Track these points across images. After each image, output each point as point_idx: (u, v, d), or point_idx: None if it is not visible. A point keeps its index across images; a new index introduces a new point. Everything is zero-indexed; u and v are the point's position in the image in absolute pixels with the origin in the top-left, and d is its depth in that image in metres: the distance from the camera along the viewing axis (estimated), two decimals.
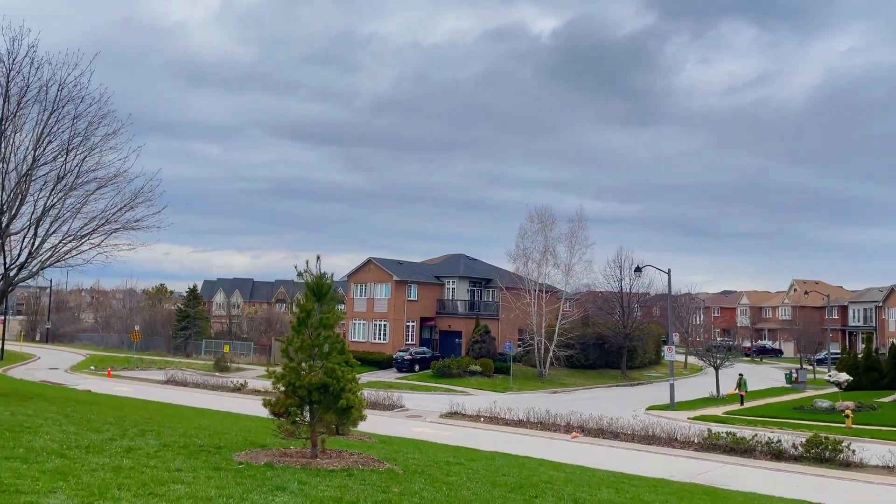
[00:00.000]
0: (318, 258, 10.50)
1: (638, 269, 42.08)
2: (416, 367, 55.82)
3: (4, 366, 54.93)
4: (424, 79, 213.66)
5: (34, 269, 18.51)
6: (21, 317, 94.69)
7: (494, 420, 31.19)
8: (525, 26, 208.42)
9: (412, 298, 61.43)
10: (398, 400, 35.78)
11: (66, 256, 19.03)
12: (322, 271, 11.12)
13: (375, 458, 10.24)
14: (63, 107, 18.67)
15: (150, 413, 17.64)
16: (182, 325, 72.41)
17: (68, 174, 18.38)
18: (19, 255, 18.35)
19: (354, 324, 63.74)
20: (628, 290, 59.63)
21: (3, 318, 67.84)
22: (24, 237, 18.20)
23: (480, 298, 64.36)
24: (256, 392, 41.09)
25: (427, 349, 59.45)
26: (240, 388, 41.88)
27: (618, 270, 59.28)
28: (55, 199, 18.38)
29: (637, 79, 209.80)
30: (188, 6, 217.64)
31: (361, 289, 63.45)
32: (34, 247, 18.29)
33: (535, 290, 55.10)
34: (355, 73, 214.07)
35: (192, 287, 76.64)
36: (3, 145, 18.27)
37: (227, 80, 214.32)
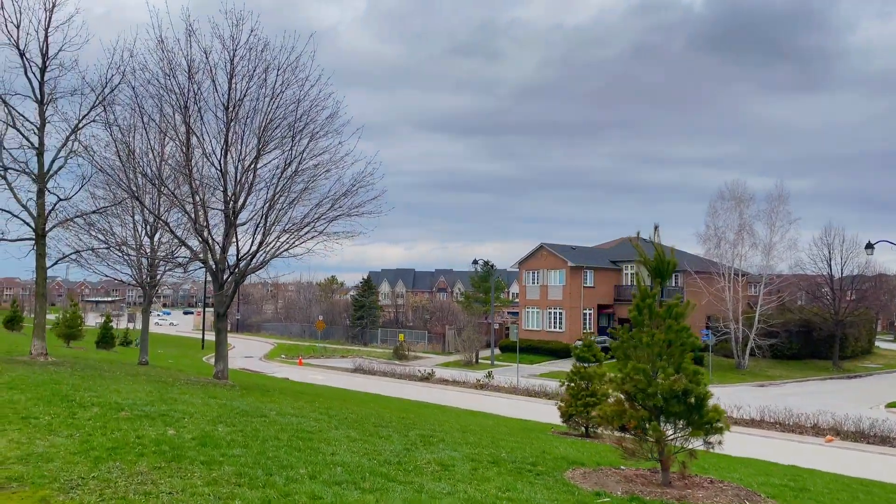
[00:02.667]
0: (657, 228, 8.33)
1: (870, 246, 36.31)
2: None
3: (206, 354, 59.15)
4: (568, 61, 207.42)
5: (266, 259, 18.23)
6: (211, 309, 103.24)
7: None
8: None
9: (588, 285, 58.49)
10: None
11: (291, 246, 18.61)
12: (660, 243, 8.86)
13: (750, 489, 7.98)
14: (283, 91, 18.19)
15: (391, 409, 16.67)
16: (358, 314, 74.53)
17: (293, 160, 17.89)
18: (250, 246, 18.18)
19: (527, 312, 61.97)
20: (839, 272, 52.58)
21: (200, 310, 73.52)
22: (256, 227, 17.97)
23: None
24: (444, 382, 40.57)
25: (607, 337, 56.28)
26: (428, 378, 41.52)
27: (826, 249, 52.44)
28: (281, 187, 17.96)
29: (804, 41, 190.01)
30: (338, 11, 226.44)
31: (533, 276, 61.45)
32: (264, 236, 18.01)
33: (731, 273, 50.10)
34: (498, 62, 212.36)
35: (365, 278, 78.72)
36: (230, 133, 18.10)
37: (376, 78, 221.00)
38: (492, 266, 56.93)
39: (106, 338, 40.37)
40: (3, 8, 18.18)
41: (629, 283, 59.55)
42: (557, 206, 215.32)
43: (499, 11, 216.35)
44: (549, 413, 27.03)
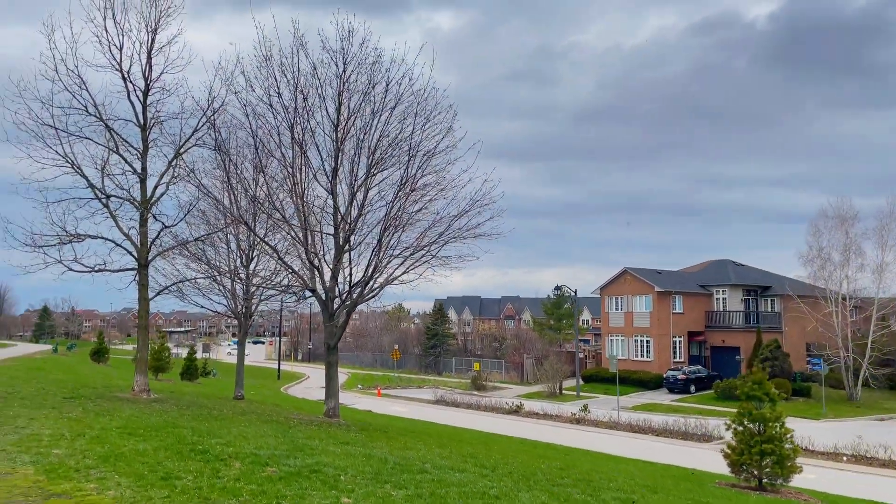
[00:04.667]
0: None
1: None
2: (692, 388, 49.72)
3: (283, 384, 58.50)
4: (626, 82, 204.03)
5: (380, 286, 16.79)
6: (284, 338, 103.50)
7: (861, 460, 24.86)
8: (737, 14, 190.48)
9: (677, 311, 55.35)
10: (714, 429, 30.49)
11: (404, 272, 17.13)
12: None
13: None
14: (394, 107, 16.88)
15: (526, 454, 14.79)
16: (430, 343, 72.99)
17: (409, 179, 16.49)
18: (364, 272, 16.78)
19: (611, 340, 59.12)
20: None
21: (272, 340, 73.22)
22: (371, 252, 16.58)
23: (757, 308, 56.28)
24: (535, 415, 38.36)
25: (702, 367, 52.95)
26: (517, 411, 39.37)
27: None
28: (396, 208, 16.56)
29: (876, 54, 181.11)
30: (394, 42, 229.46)
31: (617, 302, 58.68)
32: (378, 261, 16.59)
33: (838, 297, 46.31)
34: (555, 86, 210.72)
35: (437, 306, 77.29)
36: (340, 152, 16.87)
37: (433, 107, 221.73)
38: (575, 292, 54.54)
39: (190, 369, 39.96)
40: (105, 31, 17.61)
41: (721, 309, 56.14)
42: (619, 230, 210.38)
43: (555, 37, 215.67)
44: (675, 454, 24.63)
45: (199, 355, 77.20)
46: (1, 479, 7.55)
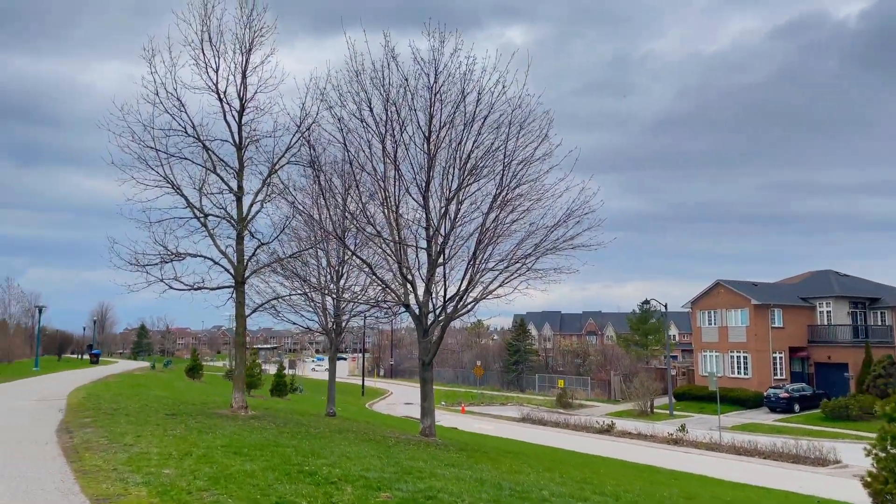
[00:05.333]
0: None
1: None
2: (796, 407, 46.57)
3: (367, 401, 58.79)
4: (707, 89, 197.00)
5: (475, 300, 16.27)
6: (364, 354, 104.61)
7: None
8: (825, 14, 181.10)
9: (776, 325, 52.18)
10: (829, 453, 28.17)
11: (500, 285, 16.51)
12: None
13: None
14: (487, 116, 16.40)
15: (637, 478, 13.83)
16: (513, 359, 71.90)
17: (504, 189, 15.94)
18: (458, 286, 16.31)
19: (704, 356, 56.35)
20: None
21: (355, 356, 74.08)
22: (466, 265, 16.11)
23: (865, 322, 52.38)
24: (627, 434, 36.77)
25: (806, 385, 49.62)
26: (608, 430, 37.87)
27: None
28: (492, 219, 16.03)
29: None
30: (467, 59, 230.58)
31: (710, 316, 55.94)
32: (473, 275, 16.08)
33: None
34: (632, 96, 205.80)
35: (518, 321, 76.18)
36: (432, 164, 16.51)
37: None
38: (665, 306, 52.34)
39: (280, 385, 40.59)
40: (202, 53, 18.01)
41: (825, 323, 52.58)
42: (701, 241, 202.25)
43: (632, 46, 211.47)
44: (787, 479, 22.80)
45: (285, 372, 78.83)
46: (115, 500, 7.41)
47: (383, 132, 16.74)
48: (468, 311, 16.84)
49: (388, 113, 16.68)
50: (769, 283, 57.97)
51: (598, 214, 16.22)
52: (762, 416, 45.92)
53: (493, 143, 16.19)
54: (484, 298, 16.51)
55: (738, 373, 52.97)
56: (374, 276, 17.55)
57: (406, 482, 8.71)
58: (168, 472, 8.82)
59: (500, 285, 16.48)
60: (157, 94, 17.43)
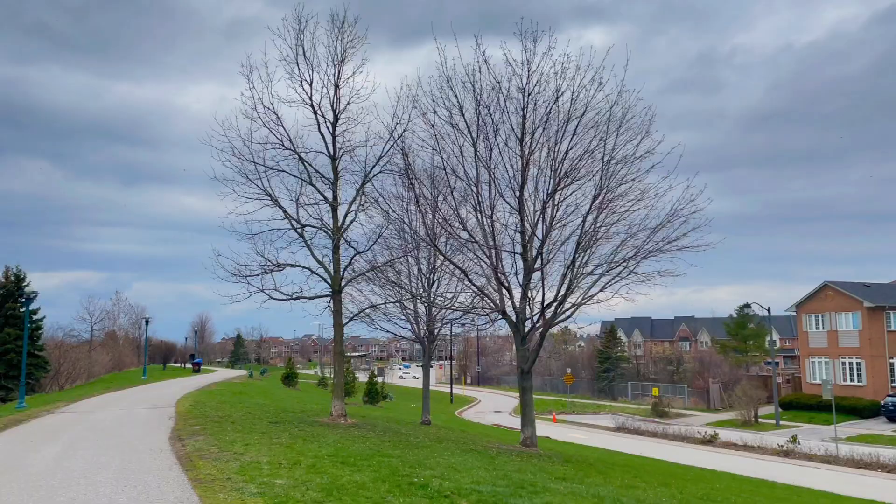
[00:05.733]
0: None
1: None
2: None
3: (456, 408, 58.69)
4: (802, 82, 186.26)
5: (574, 305, 15.70)
6: (445, 361, 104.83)
7: None
8: None
9: (893, 328, 48.40)
10: None
11: (601, 290, 15.88)
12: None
13: None
14: (583, 114, 15.84)
15: (775, 499, 12.86)
16: (603, 366, 70.08)
17: (604, 190, 15.34)
18: (556, 291, 15.80)
19: (811, 362, 52.99)
20: None
21: (442, 364, 74.19)
22: (565, 269, 15.58)
23: None
24: (732, 446, 34.86)
25: None
26: (711, 440, 36.04)
27: None
28: (592, 221, 15.45)
29: None
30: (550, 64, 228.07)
31: (817, 320, 52.57)
32: (572, 279, 15.53)
33: None
34: (719, 93, 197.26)
35: (608, 328, 74.23)
36: (527, 167, 16.10)
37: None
38: (768, 310, 49.49)
39: (372, 393, 41.07)
40: (297, 66, 18.37)
41: None
42: (800, 241, 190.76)
43: (718, 41, 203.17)
44: None
45: (369, 379, 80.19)
46: None
47: (475, 136, 16.50)
48: (567, 317, 16.30)
49: (480, 116, 16.42)
50: (882, 284, 53.95)
51: (705, 213, 15.33)
52: (880, 427, 42.61)
53: (590, 143, 15.62)
54: (584, 304, 15.92)
55: (851, 380, 49.49)
56: (468, 283, 17.28)
57: (521, 497, 8.32)
58: (281, 482, 8.81)
59: (600, 290, 15.86)
60: (255, 109, 17.93)
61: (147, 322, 54.74)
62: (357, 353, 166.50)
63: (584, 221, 15.63)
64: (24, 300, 34.86)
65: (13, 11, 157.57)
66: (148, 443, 13.45)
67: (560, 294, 15.74)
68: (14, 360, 35.65)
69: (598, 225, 15.60)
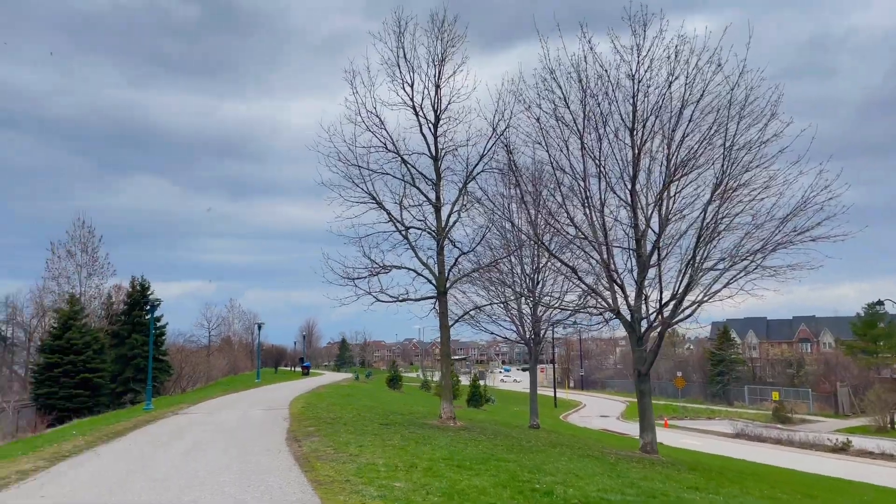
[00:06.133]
0: None
1: None
2: None
3: (561, 412, 57.47)
4: None
5: (689, 306, 14.72)
6: (547, 365, 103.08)
7: None
8: None
9: None
10: None
11: (723, 287, 14.78)
12: None
13: None
14: (699, 99, 14.86)
15: None
16: (717, 369, 66.64)
17: (725, 178, 14.30)
18: (674, 289, 14.89)
19: None
20: None
21: (543, 367, 72.80)
22: (685, 265, 14.65)
23: None
24: (868, 454, 32.04)
25: None
26: (843, 448, 33.29)
27: None
28: (711, 214, 14.44)
29: None
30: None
31: None
32: (692, 275, 14.56)
33: None
34: (833, 78, 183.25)
35: (721, 329, 70.60)
36: (640, 159, 15.27)
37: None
38: None
39: (475, 396, 40.83)
40: (398, 68, 18.36)
41: None
42: None
43: (830, 23, 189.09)
44: None
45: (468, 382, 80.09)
46: None
47: (581, 128, 15.86)
48: (687, 316, 15.29)
49: (587, 107, 15.78)
50: None
51: (842, 200, 13.95)
52: None
53: (708, 129, 14.61)
54: (706, 301, 14.88)
55: None
56: (578, 281, 16.62)
57: None
58: (399, 485, 8.60)
59: (724, 286, 14.76)
60: (359, 114, 18.06)
61: (259, 327, 57.13)
62: (457, 357, 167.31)
63: (704, 213, 14.61)
64: (148, 308, 37.13)
65: (133, 40, 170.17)
66: (266, 443, 13.71)
67: (678, 291, 14.79)
68: (141, 365, 38.02)
69: (720, 216, 14.55)
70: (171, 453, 12.67)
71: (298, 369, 71.31)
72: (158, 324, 41.29)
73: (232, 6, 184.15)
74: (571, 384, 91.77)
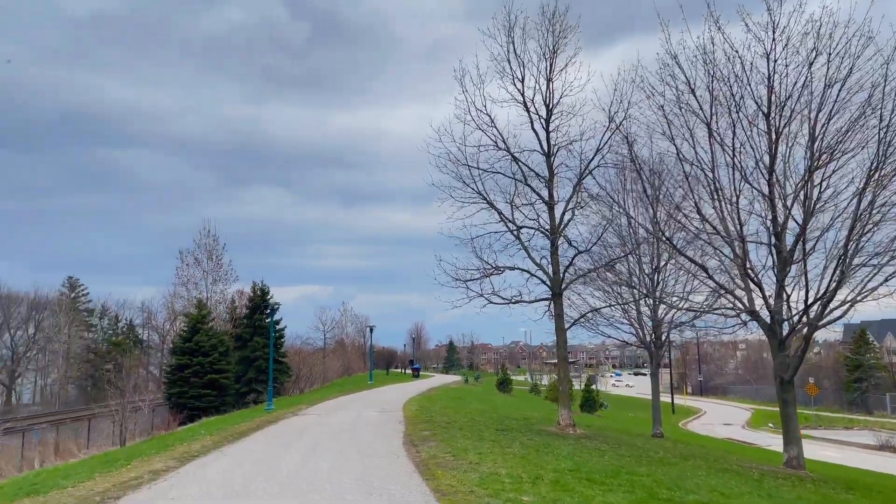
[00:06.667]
0: None
1: None
2: None
3: (679, 419, 54.73)
4: None
5: (838, 308, 13.18)
6: (671, 370, 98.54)
7: None
8: None
9: None
10: None
11: (881, 284, 13.15)
12: None
13: None
14: (846, 77, 13.32)
15: None
16: (853, 375, 61.31)
17: (883, 162, 12.71)
18: (819, 287, 13.40)
19: None
20: None
21: (655, 372, 69.39)
22: (837, 262, 13.17)
23: None
24: None
25: None
26: None
27: None
28: (865, 204, 12.88)
29: None
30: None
31: None
32: (844, 270, 13.04)
33: None
34: None
35: (858, 332, 64.98)
36: (777, 146, 13.92)
37: None
38: None
39: (589, 401, 39.54)
40: (508, 63, 17.85)
41: None
42: None
43: None
44: None
45: (579, 387, 78.04)
46: None
47: (709, 115, 14.68)
48: (837, 318, 13.73)
49: (715, 93, 14.58)
50: None
51: None
52: None
53: (860, 109, 13.06)
54: (859, 300, 13.29)
55: None
56: (708, 280, 15.40)
57: None
58: (528, 499, 8.05)
59: (882, 282, 13.11)
60: (469, 112, 17.71)
61: (371, 330, 58.33)
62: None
63: (858, 202, 13.05)
64: (268, 311, 38.67)
65: (247, 59, 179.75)
66: (384, 447, 13.56)
67: (826, 289, 13.29)
68: (262, 366, 39.66)
69: (877, 205, 12.96)
70: (292, 455, 12.75)
71: (408, 371, 72.26)
72: (278, 327, 42.89)
73: (339, 20, 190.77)
74: (689, 390, 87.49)
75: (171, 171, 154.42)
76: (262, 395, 38.00)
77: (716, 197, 14.90)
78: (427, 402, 26.82)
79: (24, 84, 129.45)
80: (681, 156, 14.98)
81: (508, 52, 17.67)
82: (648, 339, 22.28)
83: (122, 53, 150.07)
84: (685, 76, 14.90)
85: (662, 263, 21.24)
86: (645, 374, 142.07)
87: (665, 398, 66.24)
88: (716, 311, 16.27)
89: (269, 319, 35.77)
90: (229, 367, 38.81)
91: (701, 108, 14.77)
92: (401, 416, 20.70)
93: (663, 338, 22.57)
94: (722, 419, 56.62)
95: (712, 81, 14.54)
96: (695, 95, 14.80)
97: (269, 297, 43.96)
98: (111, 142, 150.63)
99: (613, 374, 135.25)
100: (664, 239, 15.88)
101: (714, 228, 14.42)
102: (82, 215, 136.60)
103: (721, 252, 15.39)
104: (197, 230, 51.67)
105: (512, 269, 17.93)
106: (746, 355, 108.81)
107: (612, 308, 21.19)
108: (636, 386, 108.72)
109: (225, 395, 37.39)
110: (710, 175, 14.87)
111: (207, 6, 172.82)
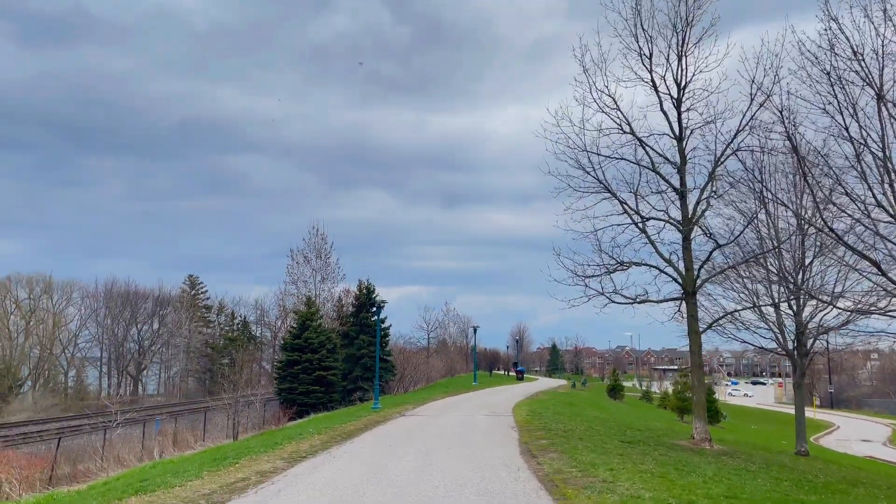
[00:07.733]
0: None
1: None
2: None
3: (811, 434, 50.18)
4: None
5: None
6: (780, 378, 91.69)
7: None
8: None
9: None
10: None
11: None
12: None
13: None
14: None
15: None
16: None
17: None
18: None
19: None
20: None
21: (781, 381, 63.84)
22: None
23: None
24: None
25: None
26: None
27: None
28: None
29: None
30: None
31: None
32: None
33: None
34: None
35: None
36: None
37: None
38: None
39: (711, 412, 36.61)
40: (635, 38, 16.24)
41: None
42: None
43: None
44: None
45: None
46: None
47: (880, 82, 12.51)
48: None
49: (885, 56, 12.42)
50: None
51: None
52: None
53: None
54: None
55: None
56: (880, 277, 13.17)
57: None
58: None
59: None
60: (590, 92, 16.26)
61: (475, 331, 57.53)
62: (673, 367, 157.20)
63: None
64: (374, 309, 38.53)
65: (352, 65, 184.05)
66: (500, 456, 12.43)
67: None
68: (368, 364, 39.64)
69: None
70: (404, 461, 11.86)
71: (512, 373, 70.88)
72: (383, 325, 42.78)
73: (440, 22, 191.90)
74: (817, 402, 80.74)
75: (282, 176, 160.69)
76: (367, 393, 37.91)
77: (887, 179, 12.70)
78: (537, 407, 25.48)
79: (147, 94, 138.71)
80: (836, 133, 12.89)
81: (635, 25, 16.07)
82: (792, 345, 19.84)
83: (237, 63, 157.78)
84: (845, 35, 12.82)
85: (808, 260, 18.83)
86: (764, 384, 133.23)
87: (787, 409, 61.26)
88: (889, 314, 13.92)
89: (374, 318, 35.56)
90: (336, 365, 39.01)
91: (869, 74, 12.63)
92: (511, 422, 19.53)
93: (810, 345, 20.02)
94: (859, 435, 51.49)
95: (884, 42, 12.38)
96: (859, 61, 12.68)
97: (374, 295, 43.98)
98: (228, 148, 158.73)
99: (730, 383, 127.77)
100: (827, 230, 13.70)
101: (889, 212, 12.22)
102: (201, 217, 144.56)
103: (887, 241, 13.15)
104: (306, 230, 52.74)
105: (638, 264, 16.29)
106: (880, 365, 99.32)
107: (753, 310, 18.97)
108: (755, 396, 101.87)
109: (332, 392, 37.56)
110: (882, 154, 12.68)
111: (315, 14, 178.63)
